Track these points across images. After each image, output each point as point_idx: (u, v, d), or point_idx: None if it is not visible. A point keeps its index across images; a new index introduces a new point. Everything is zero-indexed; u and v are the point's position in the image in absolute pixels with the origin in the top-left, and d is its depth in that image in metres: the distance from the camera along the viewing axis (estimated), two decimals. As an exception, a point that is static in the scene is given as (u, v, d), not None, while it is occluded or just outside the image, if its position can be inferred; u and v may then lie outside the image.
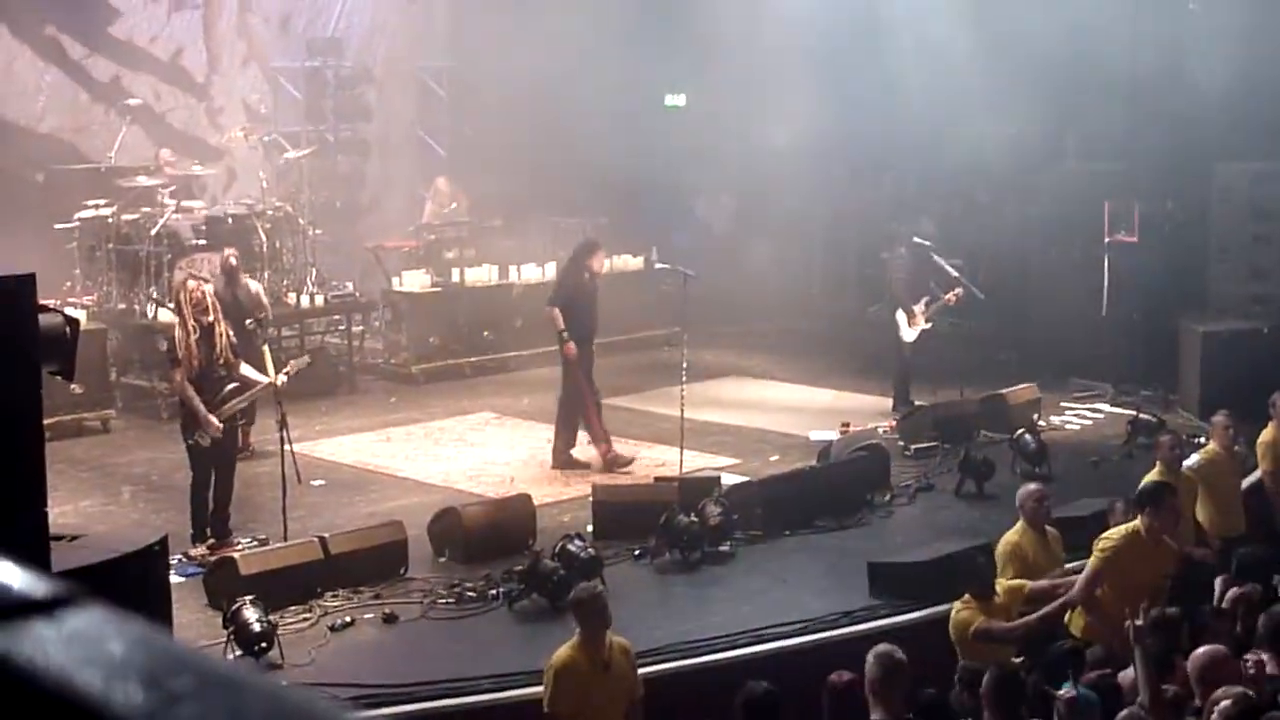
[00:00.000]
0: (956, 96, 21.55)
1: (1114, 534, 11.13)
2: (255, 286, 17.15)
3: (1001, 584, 10.75)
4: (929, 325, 18.29)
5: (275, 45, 24.91)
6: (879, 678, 8.69)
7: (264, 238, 20.05)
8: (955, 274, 18.41)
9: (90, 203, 19.55)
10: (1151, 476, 13.02)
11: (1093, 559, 10.94)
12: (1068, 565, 11.80)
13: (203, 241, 19.45)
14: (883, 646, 8.97)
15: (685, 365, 16.08)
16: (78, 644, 1.19)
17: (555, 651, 9.57)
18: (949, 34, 21.57)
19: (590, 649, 9.45)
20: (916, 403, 18.22)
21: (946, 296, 18.25)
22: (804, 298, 25.36)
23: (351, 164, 25.77)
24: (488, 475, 16.12)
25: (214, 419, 13.22)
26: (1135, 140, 20.19)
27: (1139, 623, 9.04)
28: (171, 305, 15.18)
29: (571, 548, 12.38)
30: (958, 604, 10.58)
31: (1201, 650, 8.71)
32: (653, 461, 16.35)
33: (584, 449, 16.51)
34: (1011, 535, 11.75)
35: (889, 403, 18.79)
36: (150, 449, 17.09)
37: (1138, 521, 11.10)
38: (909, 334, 18.23)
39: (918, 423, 17.26)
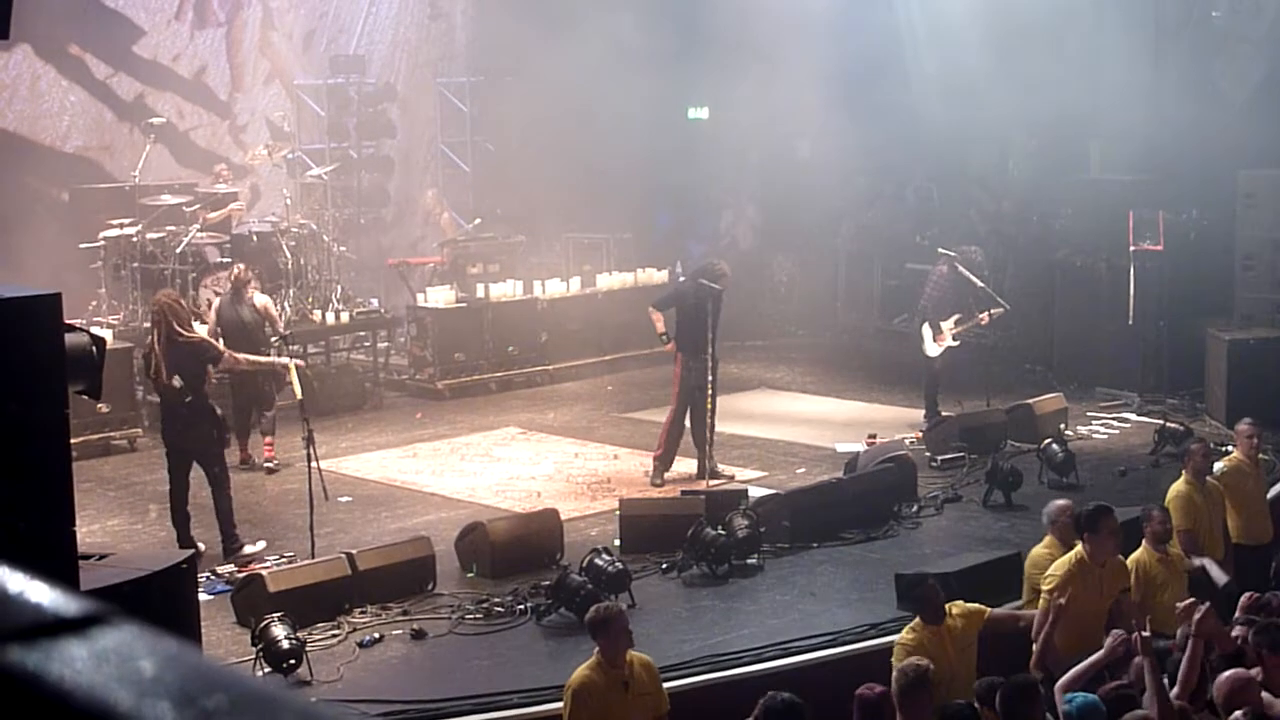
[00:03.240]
0: (978, 108, 21.54)
1: (1057, 568, 10.95)
2: (263, 300, 17.18)
3: (961, 606, 10.59)
4: (956, 343, 18.22)
5: (298, 63, 24.99)
6: (903, 689, 8.65)
7: (288, 255, 20.12)
8: (982, 285, 18.36)
9: (115, 221, 19.61)
10: (1178, 485, 13.00)
11: (1041, 600, 10.79)
12: None
13: (227, 259, 19.52)
14: (909, 659, 8.93)
15: (711, 378, 16.07)
16: (109, 662, 1.18)
17: (574, 672, 9.55)
18: (970, 46, 21.57)
19: (609, 668, 9.42)
20: (944, 413, 18.19)
21: (980, 315, 18.19)
22: (828, 310, 25.35)
23: (375, 180, 25.83)
24: (514, 490, 16.12)
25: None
26: (1159, 149, 20.15)
27: (1145, 634, 9.01)
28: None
29: (599, 562, 12.36)
30: (907, 628, 10.42)
31: (1225, 675, 8.64)
32: (680, 474, 16.32)
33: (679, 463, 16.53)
34: (1040, 550, 11.68)
35: (915, 414, 18.77)
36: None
37: (1079, 548, 10.96)
38: (932, 349, 18.21)
39: (944, 433, 17.22)
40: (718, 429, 16.38)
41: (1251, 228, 19.56)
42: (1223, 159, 19.63)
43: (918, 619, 10.37)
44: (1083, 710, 8.53)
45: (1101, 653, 9.61)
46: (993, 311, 18.17)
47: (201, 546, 13.45)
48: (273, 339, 16.29)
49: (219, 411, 14.21)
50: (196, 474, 13.89)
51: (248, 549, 13.78)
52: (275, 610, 11.17)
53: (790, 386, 21.64)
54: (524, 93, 25.46)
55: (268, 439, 16.88)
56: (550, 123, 24.62)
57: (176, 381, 13.73)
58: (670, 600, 12.77)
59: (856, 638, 11.80)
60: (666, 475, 16.17)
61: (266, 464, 16.80)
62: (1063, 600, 10.53)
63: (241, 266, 17.43)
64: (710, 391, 16.06)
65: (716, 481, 15.86)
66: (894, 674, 8.83)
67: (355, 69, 25.18)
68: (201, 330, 15.21)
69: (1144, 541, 11.83)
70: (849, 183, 25.26)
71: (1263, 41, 19.96)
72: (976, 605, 10.74)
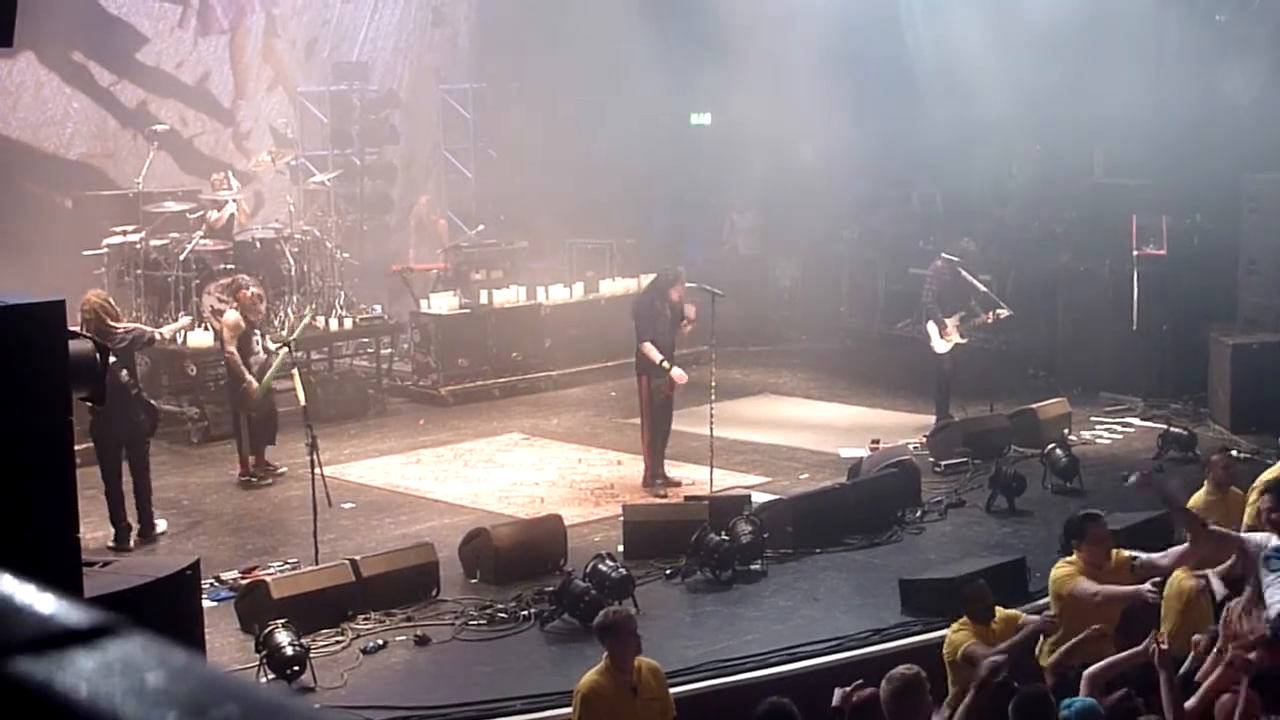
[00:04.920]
0: (983, 113, 21.54)
1: (1060, 574, 10.90)
2: (230, 316, 16.86)
3: (999, 611, 10.57)
4: (964, 340, 18.20)
5: (301, 70, 25.00)
6: (888, 697, 8.57)
7: (292, 262, 20.13)
8: (984, 289, 18.36)
9: (118, 229, 19.62)
10: (1199, 495, 12.89)
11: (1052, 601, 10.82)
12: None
13: (230, 266, 19.52)
14: (899, 667, 8.84)
15: (714, 384, 16.06)
16: (117, 674, 1.18)
17: (582, 677, 9.54)
18: (974, 51, 21.56)
19: (618, 673, 9.40)
20: (953, 415, 18.17)
21: (985, 316, 18.15)
22: (832, 315, 25.34)
23: (378, 187, 25.84)
24: (518, 496, 16.11)
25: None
26: (1162, 154, 20.14)
27: (1164, 647, 8.99)
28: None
29: (603, 567, 12.36)
30: (955, 625, 10.43)
31: (1227, 697, 8.60)
32: (683, 480, 16.30)
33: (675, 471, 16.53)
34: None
35: (918, 419, 18.77)
36: (181, 474, 17.13)
37: (1076, 559, 10.89)
38: (940, 345, 18.18)
39: (948, 438, 17.21)
40: (720, 435, 16.35)
41: (1255, 232, 19.54)
42: (1227, 163, 19.61)
43: (965, 617, 10.37)
44: (1080, 715, 8.50)
45: (1139, 649, 9.57)
46: (998, 312, 18.15)
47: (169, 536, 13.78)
48: (272, 346, 16.40)
49: (153, 401, 15.15)
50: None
51: (160, 527, 14.66)
52: (279, 617, 11.19)
53: (794, 392, 21.64)
54: (526, 99, 25.47)
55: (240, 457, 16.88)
56: (553, 128, 24.62)
57: (124, 375, 14.11)
58: (674, 606, 12.77)
59: (860, 643, 11.79)
60: (666, 482, 16.16)
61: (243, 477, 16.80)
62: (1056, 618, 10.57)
63: (243, 279, 17.60)
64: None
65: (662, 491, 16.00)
66: (882, 684, 8.74)
67: (358, 76, 25.19)
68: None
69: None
70: (852, 187, 25.26)
71: (1267, 45, 19.93)
72: (1012, 610, 10.76)
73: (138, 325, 15.90)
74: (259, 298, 17.32)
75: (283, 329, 18.97)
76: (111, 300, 15.12)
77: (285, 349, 16.08)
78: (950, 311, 18.17)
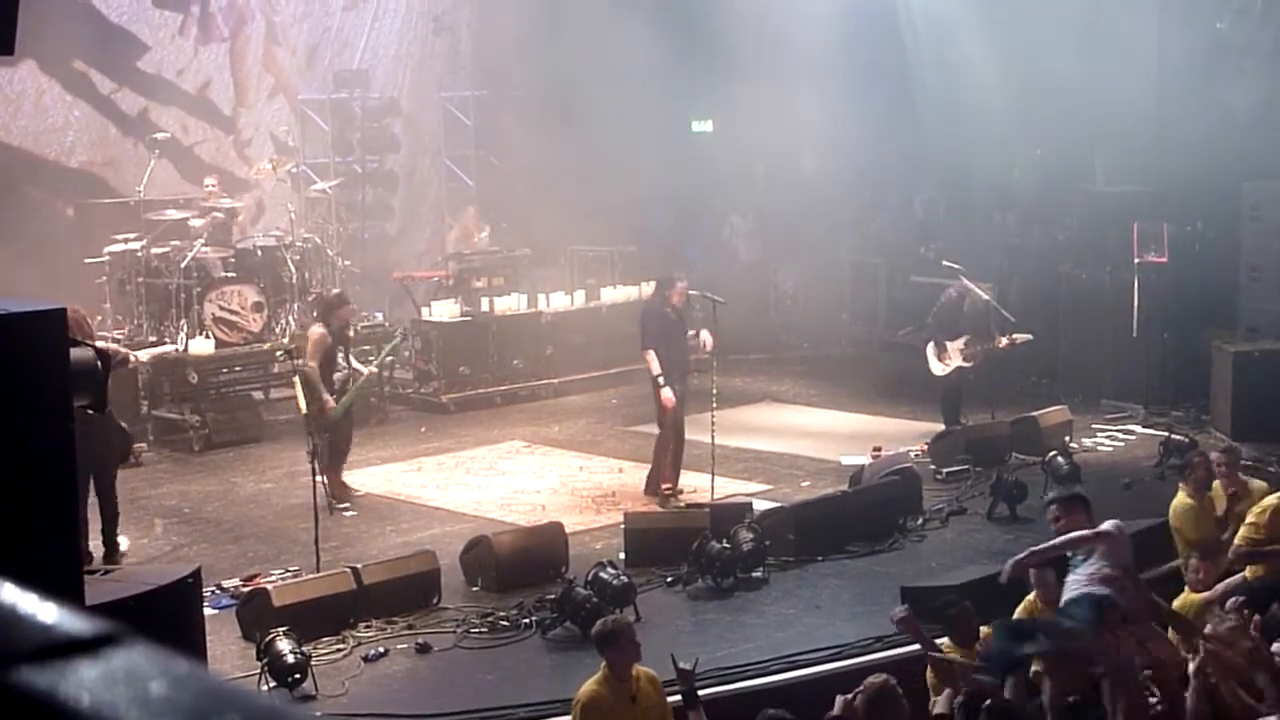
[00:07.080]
0: (984, 120, 21.54)
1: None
2: (316, 330, 16.63)
3: (984, 633, 10.48)
4: (968, 364, 18.15)
5: (302, 77, 24.99)
6: (862, 707, 8.54)
7: (293, 269, 20.11)
8: (986, 297, 18.32)
9: (120, 236, 19.62)
10: (1181, 498, 12.89)
11: None
12: None
13: (232, 274, 19.52)
14: (879, 675, 8.78)
15: (715, 391, 16.06)
16: (120, 683, 1.18)
17: (581, 686, 9.52)
18: (975, 58, 21.58)
19: (616, 681, 9.38)
20: (964, 422, 18.16)
21: (1000, 339, 18.07)
22: (833, 322, 25.33)
23: (379, 195, 25.84)
24: (519, 503, 16.11)
25: None
26: (1163, 160, 20.13)
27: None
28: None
29: (604, 575, 12.36)
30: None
31: None
32: (685, 488, 16.29)
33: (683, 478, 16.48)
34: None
35: (920, 426, 18.76)
36: (182, 482, 17.13)
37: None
38: (938, 369, 18.20)
39: (949, 446, 17.20)
40: (722, 442, 16.37)
41: (1257, 239, 19.52)
42: (1228, 170, 19.60)
43: (947, 639, 10.29)
44: None
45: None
46: (1015, 337, 18.07)
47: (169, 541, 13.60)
48: (278, 353, 16.32)
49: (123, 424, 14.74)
50: None
51: (123, 545, 14.31)
52: (280, 624, 11.19)
53: (795, 399, 21.63)
54: (527, 106, 25.47)
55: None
56: (554, 136, 24.62)
57: None
58: (675, 613, 12.76)
59: (861, 651, 11.77)
60: (668, 490, 16.14)
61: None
62: None
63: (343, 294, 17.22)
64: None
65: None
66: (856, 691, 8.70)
67: (359, 83, 25.19)
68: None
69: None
70: (854, 193, 25.26)
71: (1268, 52, 19.95)
72: (989, 628, 10.68)
73: (110, 346, 15.20)
74: (352, 312, 16.86)
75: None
76: (87, 319, 14.39)
77: (369, 371, 16.03)
78: (953, 335, 18.13)
